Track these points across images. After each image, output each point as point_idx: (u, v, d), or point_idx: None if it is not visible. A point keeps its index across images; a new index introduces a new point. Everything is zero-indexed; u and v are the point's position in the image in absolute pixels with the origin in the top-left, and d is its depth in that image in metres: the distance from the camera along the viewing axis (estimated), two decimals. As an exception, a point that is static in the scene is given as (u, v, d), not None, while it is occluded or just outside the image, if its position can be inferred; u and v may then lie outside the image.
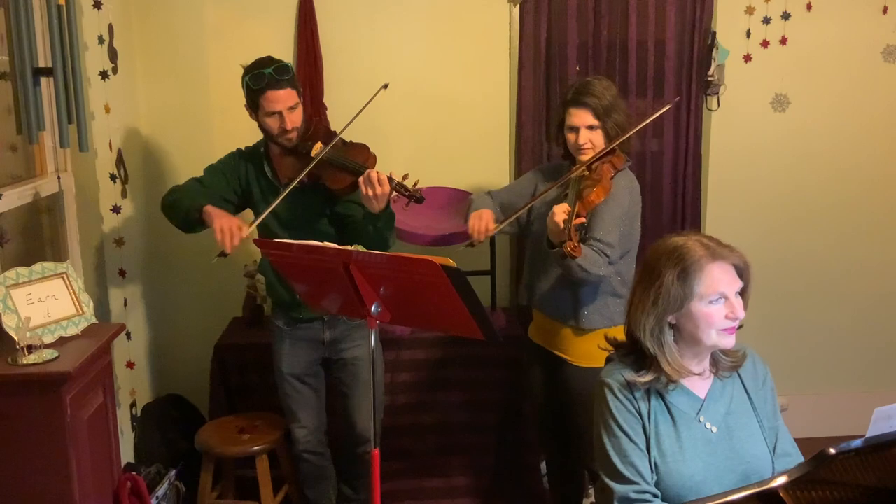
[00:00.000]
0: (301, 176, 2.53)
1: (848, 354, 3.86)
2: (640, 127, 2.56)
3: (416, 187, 2.49)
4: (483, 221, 2.61)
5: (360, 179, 2.45)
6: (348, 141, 2.68)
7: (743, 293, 1.79)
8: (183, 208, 2.63)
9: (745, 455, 1.79)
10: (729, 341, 1.78)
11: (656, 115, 2.60)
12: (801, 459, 1.86)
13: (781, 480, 1.41)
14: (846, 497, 1.51)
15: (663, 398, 1.81)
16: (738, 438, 1.81)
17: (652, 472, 1.77)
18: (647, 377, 1.79)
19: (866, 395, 3.82)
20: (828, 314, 3.83)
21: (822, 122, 3.67)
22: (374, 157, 2.61)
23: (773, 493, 1.41)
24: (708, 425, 1.81)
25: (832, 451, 1.37)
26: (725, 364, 1.86)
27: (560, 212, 2.33)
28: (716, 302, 1.74)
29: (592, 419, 1.89)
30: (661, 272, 1.76)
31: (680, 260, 1.75)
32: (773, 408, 1.90)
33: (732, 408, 1.84)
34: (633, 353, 1.84)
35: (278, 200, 2.54)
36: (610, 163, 2.53)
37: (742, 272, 1.78)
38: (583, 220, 2.39)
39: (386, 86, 2.58)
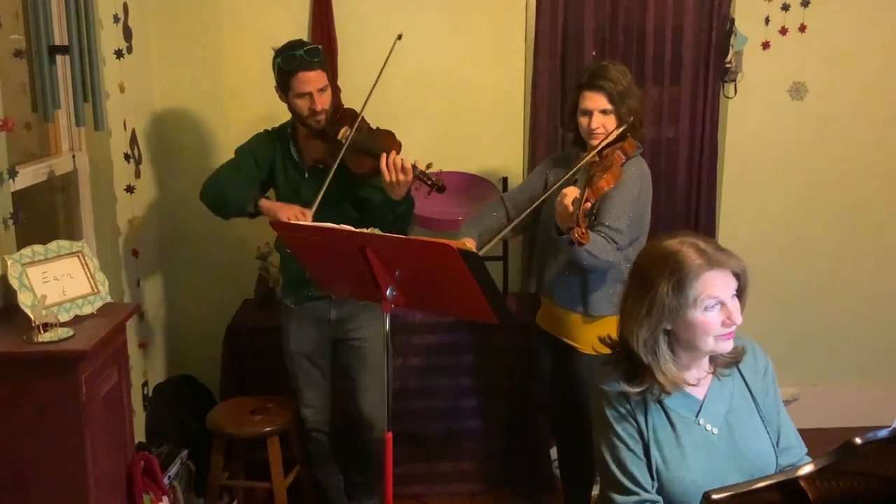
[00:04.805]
0: (337, 161, 2.55)
1: (862, 345, 3.84)
2: (604, 142, 2.50)
3: (438, 177, 2.51)
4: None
5: (384, 165, 2.47)
6: (375, 127, 2.68)
7: (740, 296, 1.71)
8: (232, 206, 2.68)
9: (747, 453, 1.74)
10: (727, 346, 1.71)
11: (612, 135, 2.52)
12: (805, 451, 1.83)
13: (807, 470, 1.39)
14: (861, 487, 1.50)
15: (661, 403, 1.74)
16: (741, 437, 1.76)
17: (653, 479, 1.72)
18: (639, 388, 1.71)
19: (877, 387, 3.81)
20: (843, 303, 3.80)
21: (841, 110, 3.63)
22: (400, 144, 2.61)
23: (793, 483, 1.40)
24: (708, 427, 1.75)
25: (858, 440, 1.36)
26: (723, 361, 1.78)
27: (570, 194, 2.28)
28: (712, 308, 1.66)
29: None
30: (654, 281, 1.66)
31: (675, 269, 1.65)
32: (775, 399, 1.83)
33: (733, 405, 1.78)
34: (627, 359, 1.76)
35: (327, 183, 2.54)
36: (621, 149, 2.51)
37: (739, 277, 1.69)
38: (589, 205, 2.35)
39: (400, 36, 2.58)
